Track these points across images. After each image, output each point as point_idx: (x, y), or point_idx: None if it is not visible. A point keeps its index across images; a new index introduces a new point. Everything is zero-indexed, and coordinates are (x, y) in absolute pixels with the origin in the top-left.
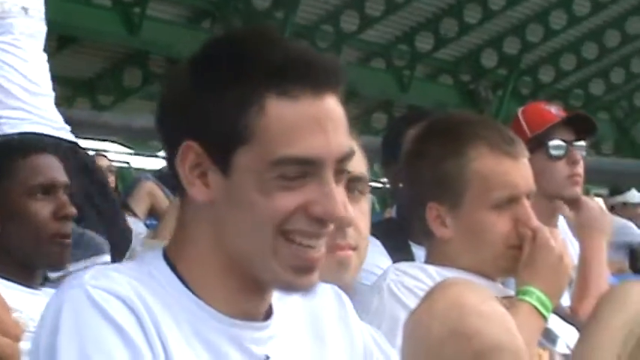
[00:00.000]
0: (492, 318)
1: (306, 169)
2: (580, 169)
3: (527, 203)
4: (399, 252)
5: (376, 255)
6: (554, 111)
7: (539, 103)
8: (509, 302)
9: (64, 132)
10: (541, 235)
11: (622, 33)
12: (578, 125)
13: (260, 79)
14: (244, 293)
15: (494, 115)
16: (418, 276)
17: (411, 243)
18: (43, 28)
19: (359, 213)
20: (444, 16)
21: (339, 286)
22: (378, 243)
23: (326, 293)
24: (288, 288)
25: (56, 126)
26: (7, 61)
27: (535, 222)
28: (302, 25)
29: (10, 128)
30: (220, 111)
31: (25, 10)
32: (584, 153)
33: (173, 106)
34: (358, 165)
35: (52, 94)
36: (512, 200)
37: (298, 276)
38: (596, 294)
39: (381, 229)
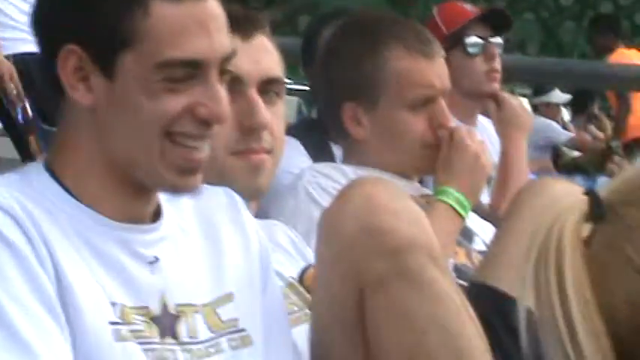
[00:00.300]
0: (405, 215)
1: (191, 71)
2: (497, 64)
3: (443, 102)
4: (319, 152)
5: (296, 155)
6: (470, 8)
7: (455, 1)
8: (427, 201)
9: None
10: (457, 135)
11: None
12: (495, 21)
13: None
14: (129, 197)
15: (421, 17)
16: (334, 176)
17: (332, 143)
18: None
19: (274, 116)
20: None
21: (255, 190)
22: (298, 143)
23: (217, 196)
24: (173, 189)
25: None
26: None
27: (451, 121)
28: None
29: (6, 50)
30: (104, 14)
31: None
32: (500, 49)
33: (53, 8)
34: (274, 67)
35: None
36: (429, 100)
37: (182, 177)
38: (516, 190)
39: (302, 130)
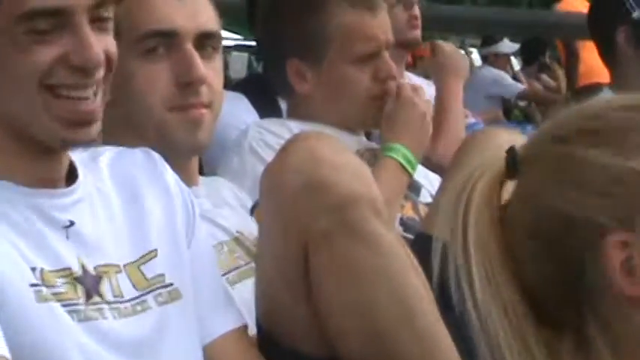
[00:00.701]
0: (346, 169)
1: (57, 20)
2: (416, 11)
3: (386, 55)
4: (267, 107)
5: (243, 111)
6: None
7: None
8: (372, 155)
9: None
10: (405, 93)
11: None
12: None
13: None
14: (35, 160)
15: None
16: (279, 132)
17: (279, 99)
18: None
19: (212, 70)
20: None
21: (196, 144)
22: (244, 99)
23: (135, 156)
24: (64, 143)
25: None
26: None
27: (395, 72)
28: None
29: None
30: None
31: None
32: None
33: None
34: (210, 21)
35: None
36: (373, 54)
37: (73, 129)
38: (453, 134)
39: (248, 85)
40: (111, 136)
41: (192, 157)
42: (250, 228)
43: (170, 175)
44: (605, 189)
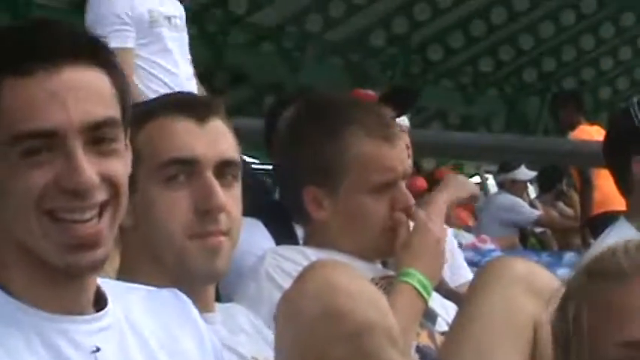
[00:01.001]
0: (362, 297)
1: (48, 143)
2: (407, 140)
3: (403, 185)
4: (283, 234)
5: (260, 237)
6: (370, 92)
7: (357, 90)
8: (388, 282)
9: None
10: (419, 218)
11: (509, 10)
12: (398, 100)
13: None
14: (56, 286)
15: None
16: (296, 259)
17: (295, 225)
18: (186, 39)
19: (231, 198)
20: None
21: (214, 272)
22: (260, 225)
23: (166, 297)
24: (69, 267)
25: None
26: (155, 74)
27: (412, 203)
28: (191, 9)
29: None
30: None
31: (168, 19)
32: (406, 126)
33: None
34: (230, 150)
35: None
36: (390, 184)
37: (74, 254)
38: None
39: (265, 211)
40: (129, 260)
41: (210, 284)
42: (267, 354)
43: (199, 318)
44: None
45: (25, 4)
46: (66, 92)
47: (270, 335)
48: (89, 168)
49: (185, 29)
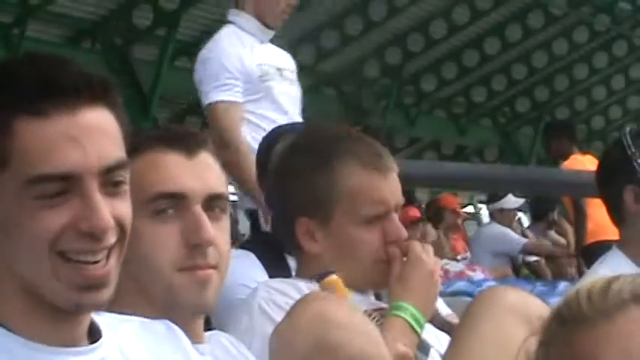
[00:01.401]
0: (355, 329)
1: (64, 185)
2: None
3: (395, 217)
4: (275, 265)
5: (252, 268)
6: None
7: None
8: (381, 315)
9: None
10: (413, 251)
11: (502, 40)
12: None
13: (9, 102)
14: (55, 320)
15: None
16: (289, 292)
17: (287, 256)
18: (298, 92)
19: (219, 231)
20: (324, 28)
21: (202, 305)
22: (253, 256)
23: (158, 328)
24: (77, 307)
25: None
26: (264, 127)
27: (405, 235)
28: (184, 42)
29: None
30: None
31: (280, 71)
32: None
33: None
34: (218, 183)
35: None
36: (382, 215)
37: (83, 294)
38: None
39: (257, 243)
40: (118, 293)
41: (198, 316)
42: None
43: (191, 348)
44: None
45: (18, 37)
46: (83, 135)
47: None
48: (105, 211)
49: (296, 82)
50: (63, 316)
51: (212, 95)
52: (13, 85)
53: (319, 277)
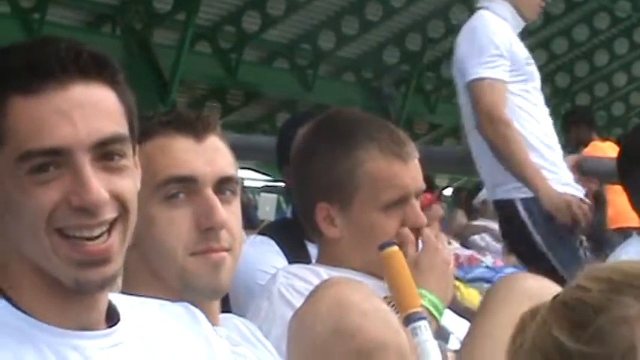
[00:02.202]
0: (375, 316)
1: (55, 160)
2: None
3: (416, 203)
4: (295, 251)
5: (271, 255)
6: None
7: None
8: None
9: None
10: (428, 239)
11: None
12: None
13: (1, 84)
14: (64, 301)
15: (397, 114)
16: (308, 278)
17: (307, 242)
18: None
19: (231, 214)
20: (345, 14)
21: (216, 288)
22: (272, 242)
23: (178, 311)
24: (77, 284)
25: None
26: (523, 107)
27: (424, 222)
28: (204, 27)
29: None
30: None
31: (527, 59)
32: None
33: None
34: (228, 166)
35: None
36: (402, 201)
37: (84, 270)
38: None
39: (276, 229)
40: (131, 278)
41: (212, 300)
42: None
43: (211, 330)
44: None
45: (38, 22)
46: (73, 109)
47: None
48: (98, 185)
49: None
50: (72, 295)
51: (477, 71)
52: (4, 68)
53: (380, 247)
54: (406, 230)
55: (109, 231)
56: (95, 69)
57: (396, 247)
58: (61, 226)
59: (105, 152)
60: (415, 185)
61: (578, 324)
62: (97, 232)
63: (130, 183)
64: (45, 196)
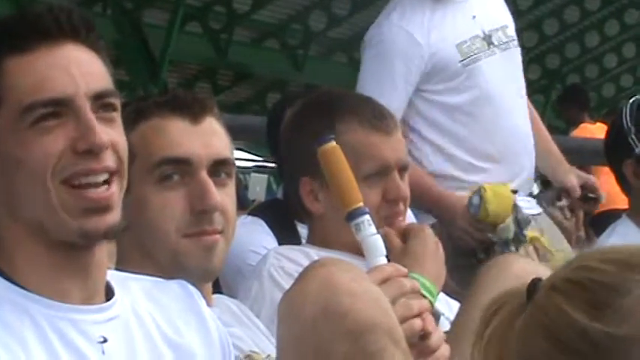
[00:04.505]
0: (364, 296)
1: (57, 110)
2: None
3: (396, 176)
4: (285, 232)
5: (262, 235)
6: None
7: None
8: None
9: None
10: (413, 225)
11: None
12: None
13: None
14: (63, 269)
15: None
16: (298, 259)
17: (297, 222)
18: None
19: (226, 196)
20: None
21: (208, 270)
22: (262, 223)
23: (172, 288)
24: (83, 233)
25: None
26: None
27: (406, 194)
28: (194, 7)
29: None
30: None
31: None
32: None
33: None
34: (223, 149)
35: None
36: (382, 173)
37: (88, 218)
38: None
39: (266, 209)
40: (124, 260)
41: (205, 282)
42: (262, 345)
43: (206, 308)
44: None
45: (28, 0)
46: (70, 65)
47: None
48: (100, 128)
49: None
50: (70, 261)
51: None
52: (3, 33)
53: (318, 143)
54: (399, 205)
55: (110, 181)
56: (84, 30)
57: (334, 143)
58: (66, 175)
59: (101, 104)
60: (396, 157)
61: (595, 304)
62: (101, 178)
63: (122, 137)
64: (50, 144)
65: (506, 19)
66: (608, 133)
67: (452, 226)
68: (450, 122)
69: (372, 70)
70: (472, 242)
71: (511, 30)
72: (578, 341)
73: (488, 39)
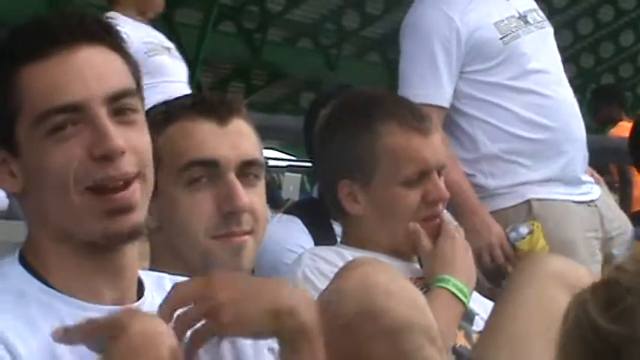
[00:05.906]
0: (401, 296)
1: (72, 117)
2: None
3: (437, 178)
4: (321, 231)
5: (298, 234)
6: None
7: None
8: (424, 283)
9: None
10: (446, 227)
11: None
12: None
13: (14, 56)
14: (93, 270)
15: None
16: (333, 260)
17: (333, 221)
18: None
19: (255, 196)
20: None
21: (238, 269)
22: (299, 222)
23: None
24: (108, 236)
25: None
26: None
27: (446, 196)
28: (228, 6)
29: None
30: None
31: (168, 49)
32: None
33: None
34: (252, 150)
35: None
36: (423, 175)
37: (111, 220)
38: None
39: (303, 208)
40: (157, 260)
41: None
42: None
43: None
44: None
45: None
46: (84, 69)
47: None
48: (116, 133)
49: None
50: (100, 262)
51: None
52: (16, 42)
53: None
54: (413, 224)
55: (131, 183)
56: (99, 33)
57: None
58: (89, 183)
59: (118, 107)
60: (436, 159)
61: (609, 302)
62: (119, 183)
63: (144, 137)
64: (68, 153)
65: (534, 4)
66: (632, 130)
67: (479, 239)
68: (497, 100)
69: (412, 55)
70: (488, 263)
71: (542, 14)
72: (594, 340)
73: (524, 18)
